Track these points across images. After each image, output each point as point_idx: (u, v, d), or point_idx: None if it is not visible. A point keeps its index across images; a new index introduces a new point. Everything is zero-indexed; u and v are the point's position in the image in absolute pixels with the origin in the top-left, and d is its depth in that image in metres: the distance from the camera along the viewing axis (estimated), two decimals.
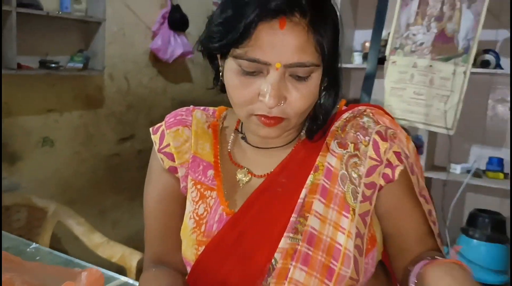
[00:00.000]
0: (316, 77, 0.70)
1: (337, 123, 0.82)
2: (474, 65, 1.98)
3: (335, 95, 0.78)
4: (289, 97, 0.70)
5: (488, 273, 1.99)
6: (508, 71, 2.06)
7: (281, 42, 0.65)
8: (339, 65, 0.76)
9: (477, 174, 2.12)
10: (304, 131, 0.83)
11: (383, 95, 2.06)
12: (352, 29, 2.56)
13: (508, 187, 2.08)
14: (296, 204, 0.76)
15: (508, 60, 2.16)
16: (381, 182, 0.77)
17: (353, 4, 2.58)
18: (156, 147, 0.88)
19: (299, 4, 0.65)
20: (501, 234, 2.03)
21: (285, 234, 0.75)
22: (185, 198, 0.86)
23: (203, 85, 3.46)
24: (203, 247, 0.80)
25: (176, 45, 3.00)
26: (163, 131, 0.87)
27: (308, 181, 0.78)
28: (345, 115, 0.82)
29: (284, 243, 0.75)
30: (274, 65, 0.67)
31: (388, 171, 0.77)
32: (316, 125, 0.80)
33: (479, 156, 2.27)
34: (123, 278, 1.09)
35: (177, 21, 2.98)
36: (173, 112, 0.90)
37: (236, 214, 0.79)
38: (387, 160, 0.78)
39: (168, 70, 3.13)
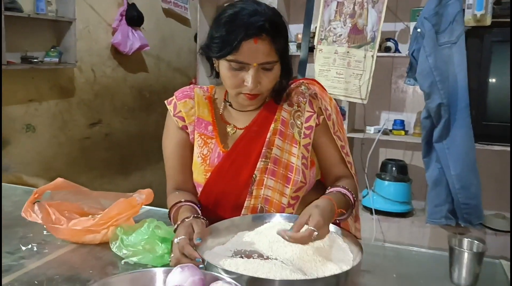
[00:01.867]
0: (276, 68, 1.16)
1: (287, 91, 1.29)
2: (380, 50, 2.56)
3: (288, 76, 1.26)
4: (262, 81, 1.14)
5: (397, 204, 2.63)
6: (404, 54, 2.68)
7: (256, 51, 1.06)
8: (289, 59, 1.23)
9: (386, 132, 2.70)
10: (268, 99, 1.30)
11: (313, 76, 2.63)
12: (287, 23, 3.07)
13: (408, 140, 2.74)
14: (265, 141, 1.23)
15: (404, 45, 2.80)
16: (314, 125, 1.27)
17: (286, 4, 3.11)
18: (171, 113, 1.30)
19: (265, 30, 1.05)
20: (404, 176, 2.68)
21: (260, 159, 1.19)
22: (193, 146, 1.30)
23: (156, 74, 3.83)
24: (209, 173, 1.23)
25: (134, 39, 3.34)
26: (175, 102, 1.30)
27: (271, 128, 1.24)
28: (291, 87, 1.30)
29: (259, 165, 1.19)
30: (253, 64, 1.08)
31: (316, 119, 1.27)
32: (280, 93, 1.28)
33: (386, 119, 2.86)
34: (147, 207, 1.45)
35: (133, 17, 3.31)
36: (180, 89, 1.34)
37: (228, 151, 1.24)
38: (317, 111, 1.27)
39: (127, 61, 3.47)
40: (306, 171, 1.23)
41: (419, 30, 2.32)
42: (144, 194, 1.26)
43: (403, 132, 2.74)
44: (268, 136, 1.21)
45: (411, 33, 2.49)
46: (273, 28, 1.07)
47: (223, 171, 1.22)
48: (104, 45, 3.28)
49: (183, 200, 1.18)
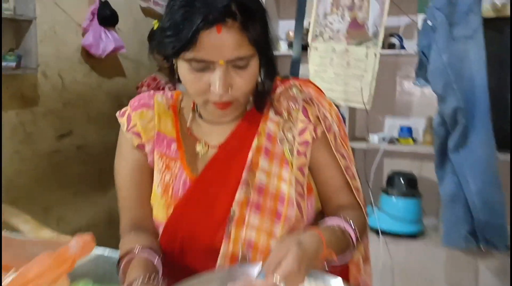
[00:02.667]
0: (254, 64, 0.87)
1: (272, 96, 1.00)
2: (383, 47, 2.27)
3: (272, 74, 0.96)
4: (234, 84, 0.86)
5: (406, 224, 2.31)
6: (410, 51, 2.38)
7: (220, 43, 0.80)
8: (272, 50, 0.93)
9: (391, 141, 2.40)
10: (248, 106, 1.00)
11: (308, 78, 2.31)
12: (276, 19, 2.78)
13: (417, 150, 2.42)
14: (246, 164, 0.94)
15: (409, 41, 2.49)
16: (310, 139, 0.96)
17: None
18: (124, 128, 1.01)
19: (229, 13, 0.81)
20: (413, 190, 2.36)
21: (238, 188, 0.91)
22: (153, 170, 1.00)
23: (136, 79, 3.50)
24: (172, 208, 0.94)
25: (107, 41, 3.02)
26: (129, 113, 1.01)
27: (253, 145, 0.95)
28: (279, 89, 1.00)
29: (239, 196, 0.91)
30: (218, 62, 0.82)
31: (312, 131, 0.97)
32: (262, 98, 0.98)
33: (391, 125, 2.56)
34: (98, 251, 1.19)
35: (106, 16, 3.00)
36: (136, 97, 1.05)
37: (198, 178, 0.95)
38: (313, 121, 0.97)
39: (101, 65, 3.15)
40: (302, 202, 0.95)
41: (429, 22, 2.00)
42: (81, 242, 0.94)
43: (411, 141, 2.43)
44: (250, 156, 0.94)
45: (419, 27, 2.18)
46: (244, 9, 0.82)
47: (191, 205, 0.95)
48: (74, 47, 2.96)
49: (138, 247, 0.91)
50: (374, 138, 2.45)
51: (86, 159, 3.10)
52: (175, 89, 1.18)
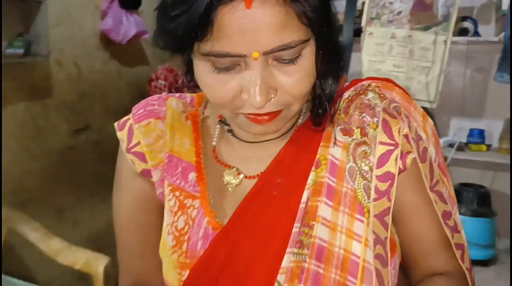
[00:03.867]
0: (309, 54, 0.56)
1: (338, 104, 0.68)
2: (453, 33, 1.88)
3: (337, 70, 0.64)
4: (280, 86, 0.57)
5: (477, 248, 1.95)
6: (487, 38, 1.97)
7: (253, 25, 0.52)
8: (336, 33, 0.61)
9: (460, 147, 2.03)
10: (301, 117, 0.69)
11: (361, 70, 1.94)
12: None
13: (492, 159, 2.03)
14: (298, 210, 0.62)
15: (485, 26, 2.08)
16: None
17: None
18: (123, 146, 0.72)
19: None
20: (486, 208, 1.98)
21: (287, 249, 0.62)
22: (163, 207, 0.71)
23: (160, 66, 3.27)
24: (187, 271, 0.66)
25: (129, 25, 2.79)
26: (131, 126, 0.71)
27: (309, 180, 0.64)
28: (347, 94, 0.69)
29: (287, 261, 0.62)
30: (251, 56, 0.54)
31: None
32: (322, 108, 0.65)
33: (459, 128, 2.19)
34: None
35: None
36: (142, 102, 0.75)
37: (225, 228, 0.65)
38: (401, 144, 0.64)
39: (122, 52, 2.90)
40: (385, 272, 0.63)
41: None
42: None
43: (484, 147, 2.06)
44: (304, 198, 0.64)
45: (503, 8, 1.77)
46: None
47: (214, 270, 0.65)
48: (91, 32, 2.73)
49: None
50: None
51: (104, 156, 2.86)
52: (196, 89, 0.84)
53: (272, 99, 0.57)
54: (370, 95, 0.67)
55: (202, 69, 0.57)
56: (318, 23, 0.54)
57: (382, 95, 0.67)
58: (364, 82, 0.70)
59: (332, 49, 0.60)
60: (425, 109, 1.61)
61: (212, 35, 0.52)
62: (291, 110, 0.60)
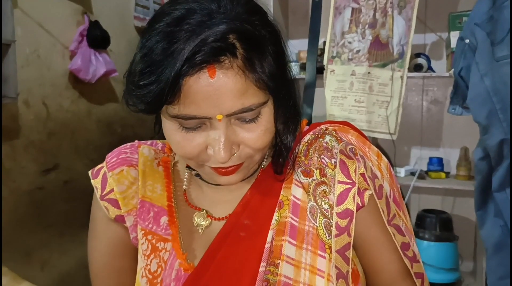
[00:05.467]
0: (267, 112, 0.61)
1: (298, 148, 0.72)
2: (408, 69, 1.99)
3: (296, 118, 0.69)
4: (242, 142, 0.61)
5: (441, 273, 2.00)
6: (440, 73, 2.09)
7: (216, 92, 0.56)
8: (293, 93, 0.67)
9: (421, 175, 2.11)
10: (265, 161, 0.73)
11: (324, 105, 2.02)
12: (285, 38, 2.49)
13: (451, 186, 2.12)
14: (264, 249, 0.66)
15: (437, 62, 2.21)
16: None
17: (284, 15, 2.51)
18: (98, 194, 0.74)
19: (226, 47, 0.55)
20: (448, 233, 2.05)
21: None
22: (137, 252, 0.74)
23: None
24: None
25: (98, 64, 2.78)
26: (105, 174, 0.74)
27: (273, 221, 0.68)
28: (307, 138, 0.74)
29: None
30: (216, 118, 0.58)
31: (356, 197, 0.69)
32: (282, 157, 0.70)
33: (419, 157, 2.27)
34: None
35: (97, 38, 2.75)
36: (115, 150, 0.78)
37: (195, 270, 0.67)
38: (358, 182, 0.69)
39: (91, 91, 2.87)
40: None
41: (467, 41, 1.72)
42: None
43: (443, 175, 2.15)
44: (269, 238, 0.67)
45: (452, 45, 1.90)
46: (248, 39, 0.57)
47: None
48: (60, 72, 2.69)
49: None
50: (401, 172, 2.15)
51: (73, 195, 2.79)
52: None
53: (235, 154, 0.62)
54: (328, 138, 0.72)
55: (170, 127, 0.61)
56: (275, 87, 0.60)
57: (338, 138, 0.72)
58: (322, 126, 0.75)
59: (289, 106, 0.66)
60: (386, 140, 1.68)
61: (180, 101, 0.56)
62: (253, 160, 0.65)
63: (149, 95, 0.57)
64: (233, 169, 0.63)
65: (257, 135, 0.61)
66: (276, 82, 0.59)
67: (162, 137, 0.68)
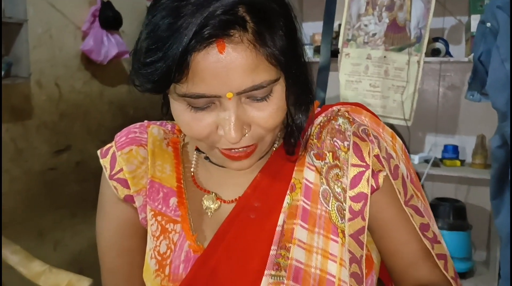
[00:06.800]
0: (279, 90, 0.59)
1: (310, 130, 0.70)
2: (425, 54, 1.94)
3: (307, 102, 0.67)
4: (253, 121, 0.59)
5: (454, 261, 1.97)
6: (458, 58, 2.04)
7: (225, 69, 0.54)
8: (305, 70, 0.64)
9: (435, 163, 2.07)
10: (277, 142, 0.72)
11: (338, 89, 1.99)
12: (299, 20, 2.44)
13: (466, 174, 2.08)
14: (275, 232, 0.64)
15: (456, 47, 2.15)
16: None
17: None
18: (107, 173, 0.73)
19: (236, 21, 0.53)
20: (462, 221, 2.02)
21: (265, 271, 0.63)
22: (146, 232, 0.72)
23: None
24: None
25: (110, 45, 2.77)
26: (114, 153, 0.73)
27: (285, 204, 0.66)
28: (319, 120, 0.72)
29: (265, 283, 0.63)
30: (225, 96, 0.56)
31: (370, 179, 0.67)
32: (294, 137, 0.68)
33: (434, 144, 2.22)
34: None
35: (109, 19, 2.73)
36: (124, 130, 0.77)
37: (205, 251, 0.66)
38: (372, 164, 0.67)
39: (103, 72, 2.87)
40: None
41: (489, 24, 1.66)
42: None
43: (458, 162, 2.10)
44: (280, 221, 0.66)
45: (472, 29, 1.84)
46: (258, 12, 0.55)
47: None
48: (72, 53, 2.69)
49: None
50: (415, 159, 2.11)
51: (85, 176, 2.82)
52: None
53: (246, 134, 0.59)
54: (340, 120, 0.70)
55: (178, 108, 0.59)
56: (286, 64, 0.57)
57: (351, 120, 0.70)
58: (334, 108, 0.73)
59: (301, 85, 0.63)
60: (400, 126, 1.64)
61: (188, 78, 0.54)
62: (265, 142, 0.63)
63: (156, 73, 0.54)
64: (245, 154, 0.61)
65: (268, 114, 0.59)
66: (287, 58, 0.57)
67: (170, 118, 0.66)
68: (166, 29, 0.53)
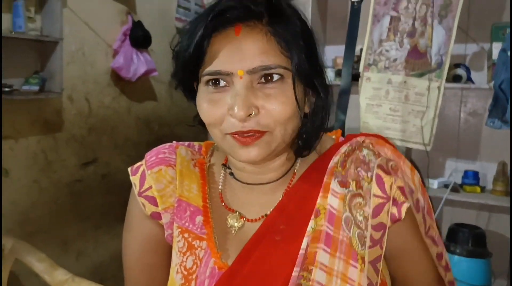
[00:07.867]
0: (289, 84, 0.64)
1: (335, 158, 0.72)
2: (447, 80, 1.95)
3: (322, 104, 0.70)
4: (262, 106, 0.63)
5: None
6: (480, 85, 2.04)
7: (239, 48, 0.63)
8: (320, 68, 0.69)
9: (455, 188, 2.05)
10: (297, 166, 0.75)
11: (358, 112, 2.01)
12: (322, 44, 2.49)
13: (487, 201, 2.06)
14: (298, 255, 0.67)
15: (477, 73, 2.15)
16: (389, 222, 0.70)
17: (322, 20, 2.51)
18: (136, 190, 0.77)
19: (252, 10, 0.63)
20: (481, 248, 1.99)
21: None
22: (171, 249, 0.76)
23: (168, 103, 3.33)
24: None
25: (139, 63, 2.86)
26: (143, 171, 0.77)
27: (309, 228, 0.68)
28: (344, 149, 0.74)
29: None
30: (237, 74, 0.63)
31: (393, 209, 0.69)
32: (305, 143, 0.72)
33: (454, 169, 2.21)
34: None
35: (139, 38, 2.84)
36: (154, 150, 0.80)
37: (230, 269, 0.69)
38: (393, 196, 0.70)
39: (132, 89, 2.97)
40: None
41: (509, 53, 1.67)
42: None
43: (478, 189, 2.08)
44: (304, 244, 0.68)
45: (493, 57, 1.85)
46: (271, 9, 0.64)
47: None
48: (103, 70, 2.80)
49: None
50: (434, 184, 2.10)
51: (110, 189, 2.90)
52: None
53: (254, 117, 0.63)
54: (365, 151, 0.72)
55: (201, 96, 0.67)
56: (296, 55, 0.63)
57: (376, 152, 0.73)
58: (358, 138, 0.76)
59: (314, 85, 0.68)
60: (419, 151, 1.65)
61: (207, 59, 0.64)
62: (274, 136, 0.65)
63: (185, 57, 0.65)
64: (251, 139, 0.64)
65: (276, 101, 0.63)
66: (298, 53, 0.64)
67: (201, 124, 0.71)
68: (194, 21, 0.65)
